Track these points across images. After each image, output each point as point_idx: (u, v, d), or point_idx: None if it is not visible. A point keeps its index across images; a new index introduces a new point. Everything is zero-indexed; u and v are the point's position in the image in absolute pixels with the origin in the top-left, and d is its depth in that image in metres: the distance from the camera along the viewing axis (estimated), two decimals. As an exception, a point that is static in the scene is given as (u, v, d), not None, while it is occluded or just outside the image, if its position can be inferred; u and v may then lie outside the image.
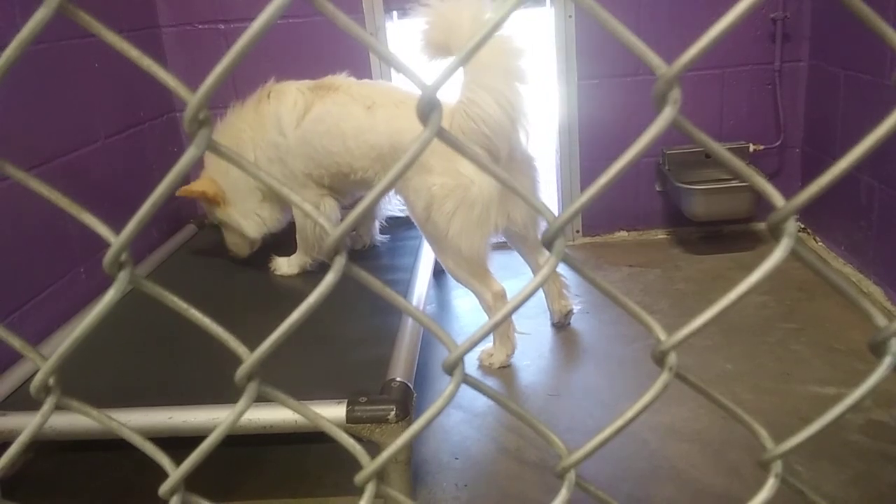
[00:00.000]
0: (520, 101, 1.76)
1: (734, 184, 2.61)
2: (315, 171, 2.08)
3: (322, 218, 0.46)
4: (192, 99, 0.41)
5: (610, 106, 2.74)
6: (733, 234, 2.84)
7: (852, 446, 1.60)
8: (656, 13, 2.63)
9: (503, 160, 1.84)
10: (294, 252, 2.28)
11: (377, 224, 2.45)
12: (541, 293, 2.25)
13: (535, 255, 2.17)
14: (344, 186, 2.13)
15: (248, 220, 2.23)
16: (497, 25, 0.42)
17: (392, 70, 2.70)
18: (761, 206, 2.68)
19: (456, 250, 1.90)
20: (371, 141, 1.96)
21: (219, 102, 2.74)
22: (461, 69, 1.73)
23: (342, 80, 2.11)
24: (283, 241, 2.33)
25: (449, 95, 1.85)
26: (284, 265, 2.26)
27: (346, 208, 2.28)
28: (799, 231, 2.80)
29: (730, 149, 2.53)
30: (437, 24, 1.80)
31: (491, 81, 1.73)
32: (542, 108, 2.90)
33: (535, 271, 2.21)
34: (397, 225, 2.49)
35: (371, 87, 2.06)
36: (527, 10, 2.92)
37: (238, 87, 2.73)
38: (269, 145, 2.10)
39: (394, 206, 2.44)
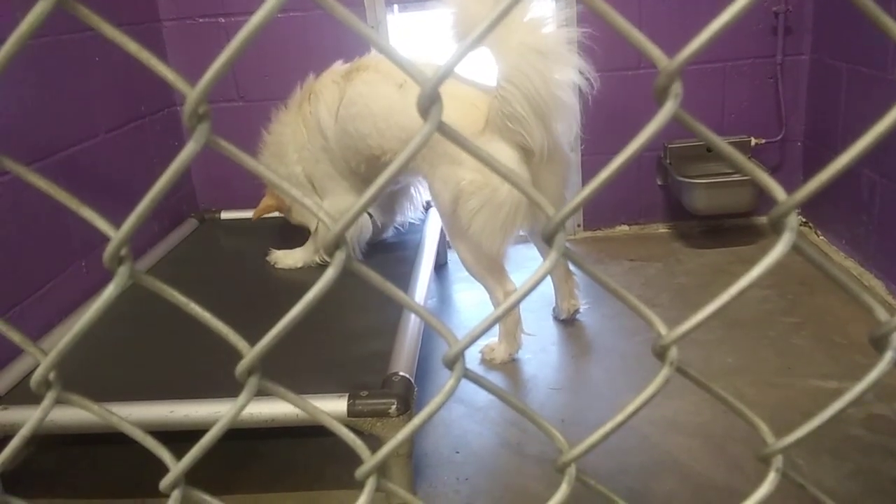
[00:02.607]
0: (554, 93, 1.68)
1: (735, 178, 2.60)
2: (353, 159, 2.02)
3: (322, 213, 0.46)
4: (192, 93, 0.41)
5: (611, 99, 2.73)
6: (735, 228, 2.84)
7: (853, 440, 1.60)
8: (658, 6, 2.62)
9: (540, 158, 1.78)
10: (290, 247, 2.28)
11: (394, 225, 2.44)
12: (544, 288, 2.25)
13: None
14: (376, 168, 2.03)
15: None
16: (495, 23, 0.42)
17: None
18: (763, 200, 2.68)
19: (476, 246, 1.87)
20: (402, 122, 1.87)
21: (219, 97, 2.74)
22: (490, 53, 1.61)
23: (372, 58, 2.03)
24: (281, 236, 2.33)
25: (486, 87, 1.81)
26: (287, 259, 2.26)
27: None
28: (800, 225, 2.80)
29: (731, 142, 2.52)
30: (458, 17, 1.73)
31: (521, 78, 1.65)
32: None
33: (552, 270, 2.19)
34: (405, 231, 2.49)
35: None
36: (528, 3, 2.91)
37: (239, 81, 2.74)
38: (316, 149, 2.06)
39: (417, 213, 2.45)
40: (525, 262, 2.41)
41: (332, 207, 2.13)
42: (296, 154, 2.11)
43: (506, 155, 1.75)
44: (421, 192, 2.38)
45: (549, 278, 2.23)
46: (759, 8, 2.61)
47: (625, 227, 2.94)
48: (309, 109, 2.07)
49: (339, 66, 2.10)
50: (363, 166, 2.04)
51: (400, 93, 1.88)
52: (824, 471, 1.52)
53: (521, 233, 2.09)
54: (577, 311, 2.25)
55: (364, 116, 1.93)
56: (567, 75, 1.71)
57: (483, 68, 1.75)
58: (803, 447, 1.58)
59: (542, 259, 2.23)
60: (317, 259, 2.23)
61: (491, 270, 1.95)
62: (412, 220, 2.45)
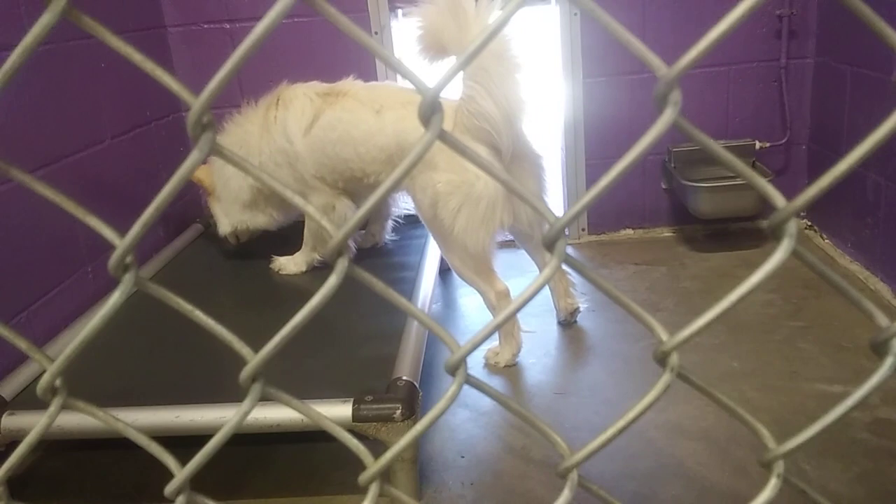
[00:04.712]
0: (516, 92, 1.76)
1: (740, 181, 2.60)
2: (329, 176, 2.09)
3: (325, 220, 0.46)
4: (195, 103, 0.42)
5: (615, 104, 2.74)
6: (740, 231, 2.84)
7: (859, 444, 1.60)
8: (662, 11, 2.62)
9: (507, 157, 1.84)
10: (293, 251, 2.29)
11: (390, 223, 2.46)
12: (546, 291, 2.25)
13: (541, 253, 2.18)
14: (358, 190, 2.14)
15: (224, 219, 2.31)
16: (499, 27, 0.42)
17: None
18: (767, 203, 2.67)
19: (462, 247, 1.90)
20: (380, 143, 1.97)
21: (225, 102, 2.75)
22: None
23: (350, 84, 2.11)
24: (284, 242, 2.34)
25: (452, 93, 1.87)
26: (289, 265, 2.27)
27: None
28: (805, 228, 2.80)
29: (736, 146, 2.51)
30: (428, 27, 1.81)
31: (485, 76, 1.73)
32: (548, 106, 2.91)
33: (541, 269, 2.21)
34: (404, 223, 2.50)
35: (379, 90, 2.07)
36: (532, 7, 2.92)
37: (244, 87, 2.75)
38: (276, 151, 2.11)
39: (408, 203, 2.45)
40: (527, 267, 2.41)
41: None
42: (257, 158, 2.16)
43: (483, 155, 1.80)
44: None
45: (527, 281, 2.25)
46: (764, 11, 2.61)
47: (629, 231, 2.94)
48: (275, 115, 2.12)
49: (314, 83, 2.16)
50: (341, 184, 2.12)
51: (377, 118, 1.98)
52: (830, 475, 1.51)
53: (508, 237, 2.10)
54: (576, 310, 2.25)
55: (345, 142, 2.02)
56: (523, 76, 1.78)
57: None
58: (809, 451, 1.58)
59: (535, 264, 2.24)
60: (316, 256, 2.26)
61: (479, 272, 1.97)
62: (409, 211, 2.47)
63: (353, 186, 2.12)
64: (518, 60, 1.75)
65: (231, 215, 2.29)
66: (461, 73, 1.83)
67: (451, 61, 1.81)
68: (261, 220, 2.29)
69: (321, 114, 2.05)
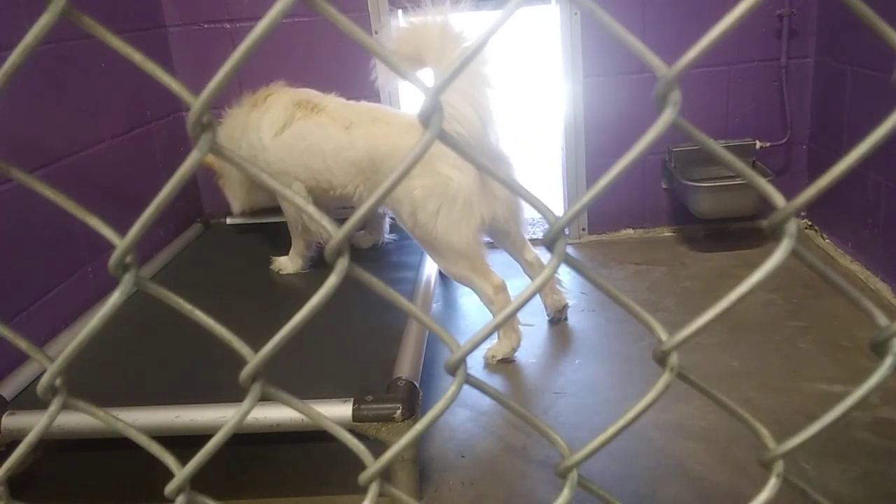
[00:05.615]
0: (488, 104, 1.81)
1: (740, 181, 2.60)
2: (292, 174, 2.17)
3: (325, 220, 0.47)
4: (195, 103, 0.42)
5: (616, 103, 2.74)
6: (740, 231, 2.84)
7: (860, 444, 1.60)
8: (663, 11, 2.62)
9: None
10: (290, 249, 2.30)
11: (387, 221, 2.47)
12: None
13: (521, 251, 2.19)
14: (324, 201, 2.19)
15: (234, 200, 2.49)
16: (493, 30, 0.42)
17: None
18: (767, 203, 2.66)
19: (448, 248, 1.93)
20: (350, 158, 2.05)
21: (225, 102, 2.75)
22: (432, 74, 1.80)
23: (329, 100, 2.19)
24: (286, 241, 2.34)
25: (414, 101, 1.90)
26: (288, 264, 2.29)
27: (347, 207, 2.33)
28: (806, 228, 2.80)
29: (736, 146, 2.51)
30: (409, 39, 1.85)
31: (461, 84, 1.77)
32: (548, 106, 2.91)
33: (523, 268, 2.23)
34: None
35: (352, 108, 2.15)
36: (533, 7, 2.92)
37: (244, 86, 2.74)
38: (247, 147, 2.22)
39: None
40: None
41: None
42: (242, 151, 2.25)
43: (452, 157, 1.84)
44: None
45: (525, 280, 2.30)
46: (764, 11, 2.61)
47: (630, 231, 2.94)
48: (256, 113, 2.22)
49: (303, 90, 2.25)
50: (304, 189, 2.19)
51: (346, 133, 2.06)
52: (830, 475, 1.52)
53: (486, 239, 2.12)
54: (564, 306, 2.26)
55: (314, 153, 2.10)
56: (494, 84, 1.82)
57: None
58: (809, 451, 1.58)
59: (518, 264, 2.25)
60: (303, 244, 2.29)
61: (473, 269, 1.98)
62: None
63: (318, 198, 2.18)
64: (492, 77, 1.79)
65: (238, 197, 2.46)
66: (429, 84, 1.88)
67: (425, 74, 1.88)
68: (262, 197, 2.48)
69: (293, 121, 2.14)
